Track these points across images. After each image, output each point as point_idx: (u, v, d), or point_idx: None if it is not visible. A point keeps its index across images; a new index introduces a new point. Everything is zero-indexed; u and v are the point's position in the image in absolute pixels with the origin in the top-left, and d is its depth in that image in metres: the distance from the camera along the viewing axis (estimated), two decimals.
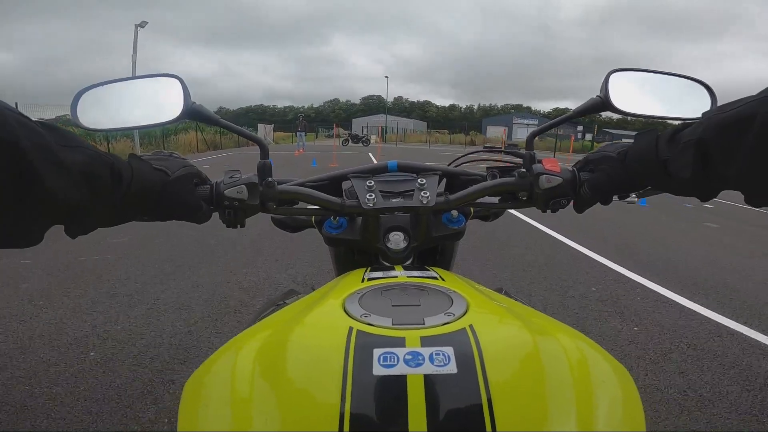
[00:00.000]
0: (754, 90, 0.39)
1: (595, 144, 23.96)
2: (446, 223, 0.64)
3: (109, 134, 12.71)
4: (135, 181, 0.44)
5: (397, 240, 0.61)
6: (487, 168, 0.68)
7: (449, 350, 0.31)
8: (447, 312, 0.37)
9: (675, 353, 2.22)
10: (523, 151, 0.61)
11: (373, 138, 30.46)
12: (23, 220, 0.35)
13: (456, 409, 0.28)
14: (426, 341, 0.32)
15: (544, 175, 0.57)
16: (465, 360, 0.30)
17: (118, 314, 2.39)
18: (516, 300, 0.58)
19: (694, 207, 7.11)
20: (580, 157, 0.63)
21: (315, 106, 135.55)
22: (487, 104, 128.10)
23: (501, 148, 0.80)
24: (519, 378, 0.31)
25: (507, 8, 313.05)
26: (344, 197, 0.62)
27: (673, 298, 2.98)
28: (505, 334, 0.37)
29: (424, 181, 0.59)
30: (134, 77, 0.58)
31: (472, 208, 0.67)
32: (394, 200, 0.58)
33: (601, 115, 0.77)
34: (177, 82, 0.55)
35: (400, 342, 0.32)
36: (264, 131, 30.53)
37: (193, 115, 0.56)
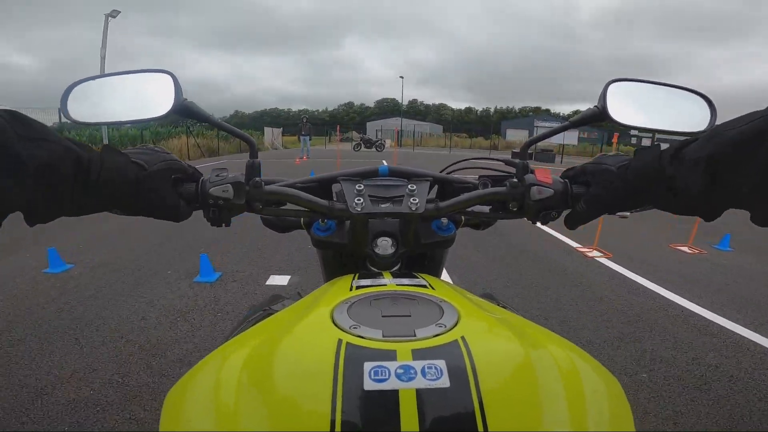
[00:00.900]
0: None
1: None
2: (436, 230, 0.63)
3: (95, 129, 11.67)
4: (104, 174, 0.43)
5: (385, 245, 0.60)
6: (479, 176, 0.68)
7: (441, 363, 0.31)
8: (438, 323, 0.36)
9: None
10: (517, 161, 0.60)
11: (388, 142, 28.00)
12: None
13: (449, 423, 0.28)
14: (417, 354, 0.31)
15: (536, 186, 0.56)
16: (457, 373, 0.30)
17: None
18: (504, 306, 0.61)
19: None
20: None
21: (329, 109, 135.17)
22: (504, 107, 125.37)
23: (495, 158, 0.79)
24: (512, 390, 0.31)
25: (522, 10, 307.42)
26: (334, 200, 0.60)
27: None
28: (497, 345, 0.36)
29: (415, 187, 0.58)
30: (125, 72, 0.57)
31: (462, 216, 0.66)
32: (383, 205, 0.58)
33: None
34: (169, 77, 0.54)
35: (391, 355, 0.31)
36: (272, 135, 28.63)
37: (183, 111, 0.55)
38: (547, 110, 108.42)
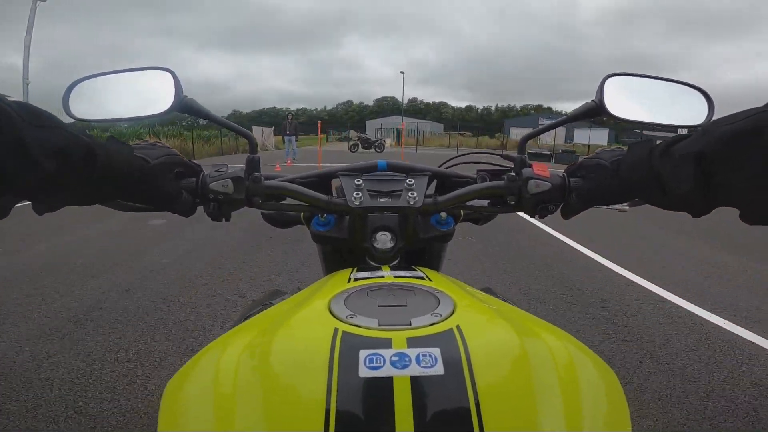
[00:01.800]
0: None
1: None
2: (435, 224, 0.63)
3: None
4: (110, 163, 0.44)
5: (384, 240, 0.60)
6: (477, 171, 0.68)
7: (436, 351, 0.31)
8: (434, 312, 0.37)
9: None
10: (515, 155, 0.61)
11: (388, 141, 25.81)
12: None
13: (443, 410, 0.28)
14: (412, 342, 0.32)
15: (533, 180, 0.56)
16: (452, 361, 0.30)
17: None
18: (503, 300, 0.60)
19: None
20: None
21: (328, 108, 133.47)
22: (506, 105, 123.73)
23: (492, 152, 0.80)
24: (506, 379, 0.31)
25: (523, 8, 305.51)
26: (334, 195, 0.63)
27: None
28: (492, 334, 0.36)
29: (413, 181, 0.59)
30: (126, 69, 0.57)
31: (461, 211, 0.66)
32: (381, 200, 0.58)
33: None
34: (169, 75, 0.55)
35: (386, 343, 0.32)
36: (262, 135, 26.61)
37: (184, 108, 0.56)
38: (549, 108, 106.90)
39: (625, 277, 3.40)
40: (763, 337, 2.40)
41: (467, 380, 0.29)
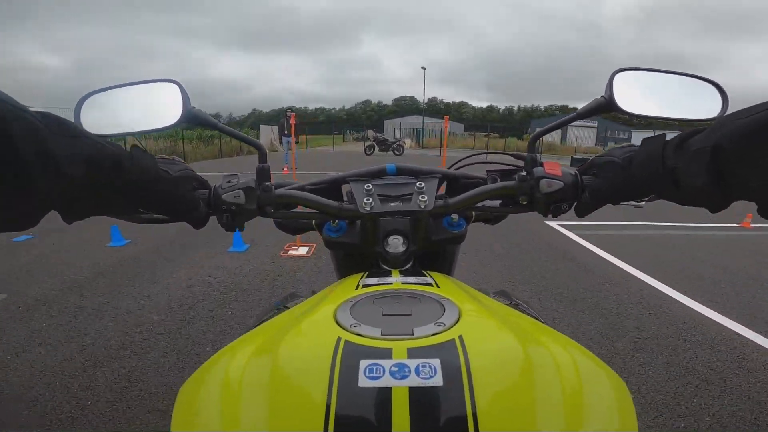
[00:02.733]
0: None
1: None
2: (447, 227, 0.63)
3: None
4: (135, 170, 0.44)
5: (396, 244, 0.59)
6: (488, 171, 0.66)
7: (436, 362, 0.31)
8: (437, 322, 0.36)
9: None
10: (525, 154, 0.59)
11: (408, 142, 23.31)
12: (15, 206, 0.35)
13: (440, 421, 0.28)
14: (413, 353, 0.32)
15: (545, 179, 0.55)
16: (451, 372, 0.30)
17: None
18: (517, 303, 0.60)
19: None
20: None
21: (347, 107, 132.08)
22: (529, 105, 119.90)
23: (503, 152, 0.78)
24: (506, 391, 0.30)
25: (545, 5, 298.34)
26: (345, 200, 0.61)
27: None
28: (494, 345, 0.35)
29: (423, 184, 0.58)
30: (134, 83, 0.58)
31: (473, 212, 0.66)
32: (392, 204, 0.57)
33: None
34: (176, 87, 0.56)
35: (386, 353, 0.32)
36: (270, 134, 24.67)
37: (192, 119, 0.56)
38: (575, 108, 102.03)
39: None
40: None
41: (466, 391, 0.29)
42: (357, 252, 0.64)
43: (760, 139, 0.35)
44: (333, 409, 0.28)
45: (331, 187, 0.65)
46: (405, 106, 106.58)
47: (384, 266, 0.60)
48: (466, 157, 0.77)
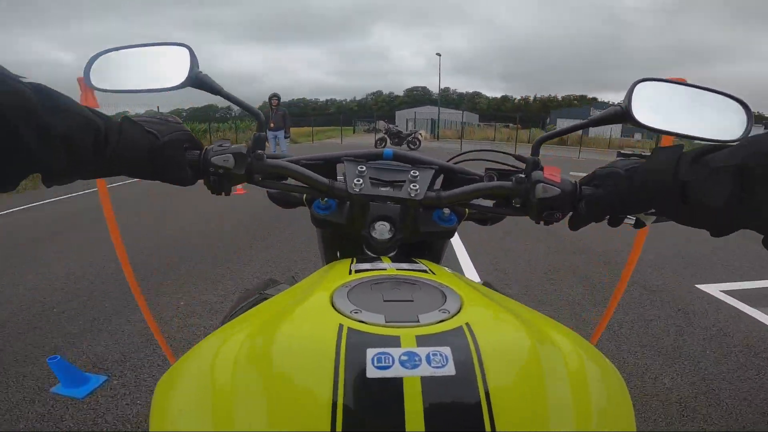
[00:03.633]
0: None
1: None
2: (437, 220, 0.61)
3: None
4: (122, 143, 0.46)
5: (382, 230, 0.58)
6: (486, 169, 0.64)
7: (446, 350, 0.29)
8: (441, 309, 0.35)
9: None
10: (528, 156, 0.58)
11: (423, 134, 20.95)
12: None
13: (454, 411, 0.27)
14: (422, 341, 0.30)
15: (542, 184, 0.53)
16: (463, 361, 0.29)
17: None
18: (502, 294, 0.57)
19: None
20: None
21: (358, 98, 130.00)
22: (546, 95, 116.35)
23: (506, 152, 0.73)
24: (518, 378, 0.30)
25: None
26: (337, 179, 0.59)
27: None
28: (502, 332, 0.34)
29: (418, 173, 0.57)
30: (146, 44, 0.58)
31: (466, 209, 0.64)
32: (383, 189, 0.56)
33: None
34: (186, 50, 0.55)
35: (394, 341, 0.30)
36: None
37: (197, 83, 0.56)
38: (594, 98, 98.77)
39: None
40: None
41: (479, 380, 0.28)
42: (343, 233, 0.63)
43: None
44: (340, 402, 0.26)
45: (327, 165, 0.63)
46: (417, 97, 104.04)
47: (368, 252, 0.60)
48: (467, 152, 0.76)
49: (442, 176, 0.63)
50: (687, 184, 0.41)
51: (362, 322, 0.32)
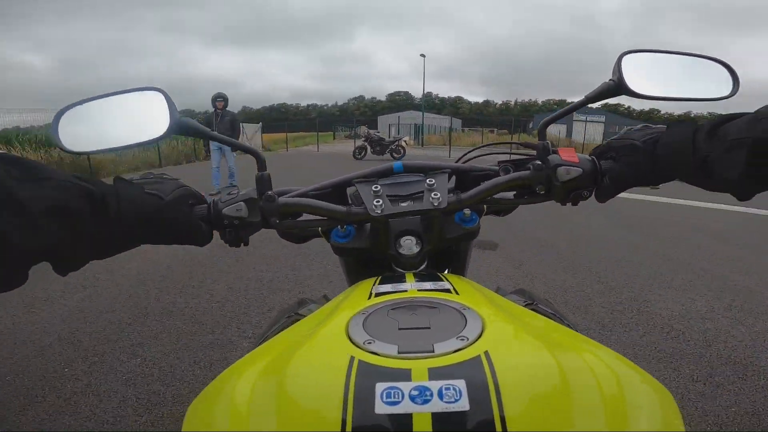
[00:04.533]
0: None
1: None
2: (459, 222, 0.59)
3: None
4: (123, 207, 0.42)
5: (409, 245, 0.56)
6: (499, 162, 0.64)
7: (461, 383, 0.27)
8: (460, 336, 0.33)
9: None
10: (537, 143, 0.58)
11: (407, 140, 19.54)
12: None
13: None
14: (434, 373, 0.28)
15: (563, 167, 0.54)
16: (478, 394, 0.27)
17: None
18: (537, 304, 0.57)
19: None
20: None
21: (339, 104, 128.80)
22: (527, 100, 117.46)
23: (509, 142, 0.77)
24: (541, 412, 0.27)
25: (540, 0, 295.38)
26: (350, 204, 0.59)
27: None
28: (525, 360, 0.32)
29: (434, 181, 0.56)
30: (115, 93, 0.53)
31: (484, 205, 0.62)
32: (403, 204, 0.55)
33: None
34: (160, 95, 0.51)
35: (405, 375, 0.29)
36: (251, 132, 21.56)
37: (180, 129, 0.52)
38: (573, 102, 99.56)
39: None
40: None
41: (496, 415, 0.26)
42: (368, 257, 0.61)
43: None
44: None
45: (335, 191, 0.62)
46: (400, 102, 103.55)
47: (397, 269, 0.58)
48: (473, 150, 0.75)
49: (453, 177, 0.63)
50: (707, 158, 0.43)
51: (374, 353, 0.31)
